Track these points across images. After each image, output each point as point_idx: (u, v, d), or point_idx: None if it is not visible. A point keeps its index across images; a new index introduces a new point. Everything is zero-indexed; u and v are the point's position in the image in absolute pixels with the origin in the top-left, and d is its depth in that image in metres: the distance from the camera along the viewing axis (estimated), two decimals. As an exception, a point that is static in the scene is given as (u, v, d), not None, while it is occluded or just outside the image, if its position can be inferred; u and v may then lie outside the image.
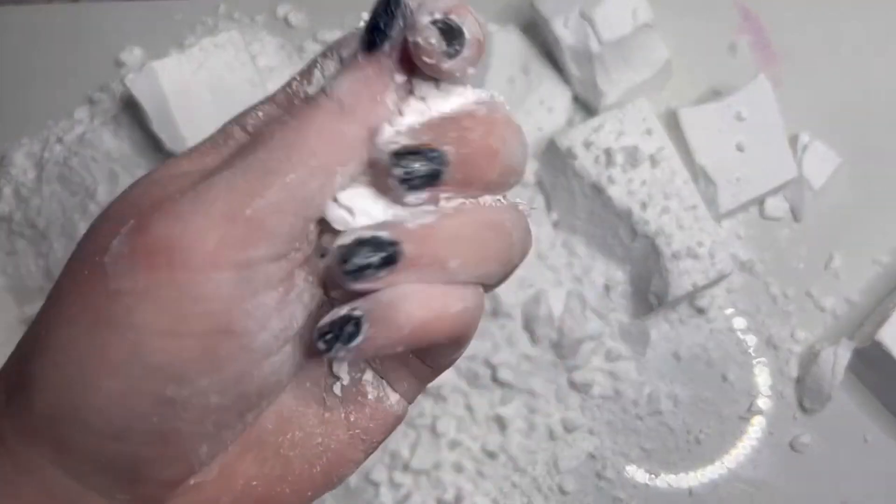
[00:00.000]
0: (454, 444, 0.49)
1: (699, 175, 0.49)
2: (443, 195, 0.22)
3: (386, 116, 0.22)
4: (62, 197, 0.54)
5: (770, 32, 0.53)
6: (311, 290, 0.23)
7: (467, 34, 0.21)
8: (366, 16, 0.23)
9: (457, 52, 0.21)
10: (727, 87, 0.51)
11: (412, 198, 0.22)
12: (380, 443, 0.26)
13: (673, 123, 0.49)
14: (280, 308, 0.22)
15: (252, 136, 0.24)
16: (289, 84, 0.24)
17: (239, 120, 0.24)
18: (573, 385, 0.48)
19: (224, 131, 0.24)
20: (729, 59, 0.54)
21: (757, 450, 0.49)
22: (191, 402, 0.21)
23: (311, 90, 0.23)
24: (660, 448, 0.49)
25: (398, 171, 0.21)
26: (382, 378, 0.26)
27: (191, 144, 0.53)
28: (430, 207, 0.22)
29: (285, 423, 0.24)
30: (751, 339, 0.50)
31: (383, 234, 0.21)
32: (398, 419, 0.26)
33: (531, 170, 0.51)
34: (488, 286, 0.24)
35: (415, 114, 0.22)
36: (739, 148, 0.49)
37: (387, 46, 0.22)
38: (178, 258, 0.20)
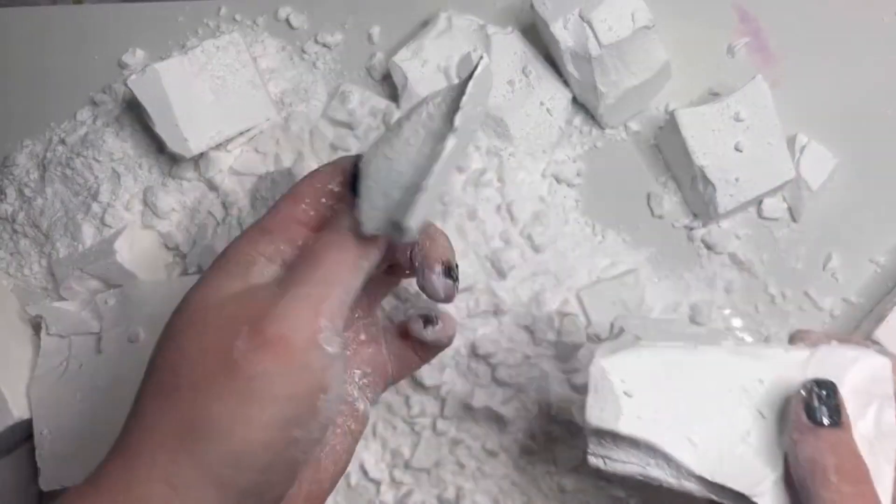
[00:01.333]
0: (455, 443, 0.49)
1: (698, 176, 0.49)
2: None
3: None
4: (65, 197, 0.54)
5: (768, 34, 0.54)
6: (363, 351, 0.40)
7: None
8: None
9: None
10: (725, 88, 0.52)
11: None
12: (361, 433, 0.39)
13: (672, 124, 0.50)
14: (350, 364, 0.38)
15: (289, 266, 0.34)
16: (276, 210, 0.36)
17: (254, 248, 0.35)
18: (573, 387, 0.49)
19: (241, 261, 0.34)
20: (727, 60, 0.54)
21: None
22: (305, 439, 0.32)
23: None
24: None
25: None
26: (363, 395, 0.40)
27: (192, 145, 0.54)
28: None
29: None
30: (749, 339, 0.50)
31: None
32: (367, 417, 0.40)
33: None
34: None
35: None
36: (738, 149, 0.49)
37: None
38: (288, 346, 0.31)
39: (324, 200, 0.36)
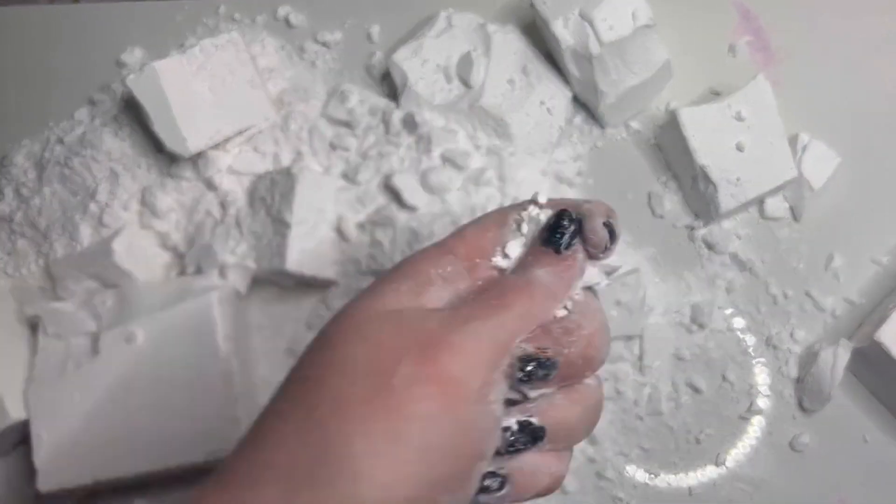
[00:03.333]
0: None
1: (699, 175, 0.49)
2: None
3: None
4: (63, 197, 0.54)
5: (769, 33, 0.53)
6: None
7: (618, 233, 0.31)
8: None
9: (613, 244, 0.31)
10: (727, 87, 0.51)
11: (526, 389, 0.29)
12: None
13: (673, 124, 0.49)
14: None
15: (478, 292, 0.30)
16: (461, 234, 0.32)
17: (433, 267, 0.30)
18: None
19: (418, 279, 0.30)
20: (728, 59, 0.54)
21: (756, 449, 0.49)
22: (436, 497, 0.26)
23: (498, 260, 0.31)
24: (660, 448, 0.49)
25: (519, 374, 0.29)
26: None
27: (190, 144, 0.53)
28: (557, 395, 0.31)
29: None
30: (750, 339, 0.50)
31: (534, 420, 0.30)
32: None
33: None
34: None
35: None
36: (739, 148, 0.49)
37: (575, 247, 0.31)
38: (459, 388, 0.26)
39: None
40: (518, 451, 0.30)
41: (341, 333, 0.28)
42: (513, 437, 0.29)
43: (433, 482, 0.26)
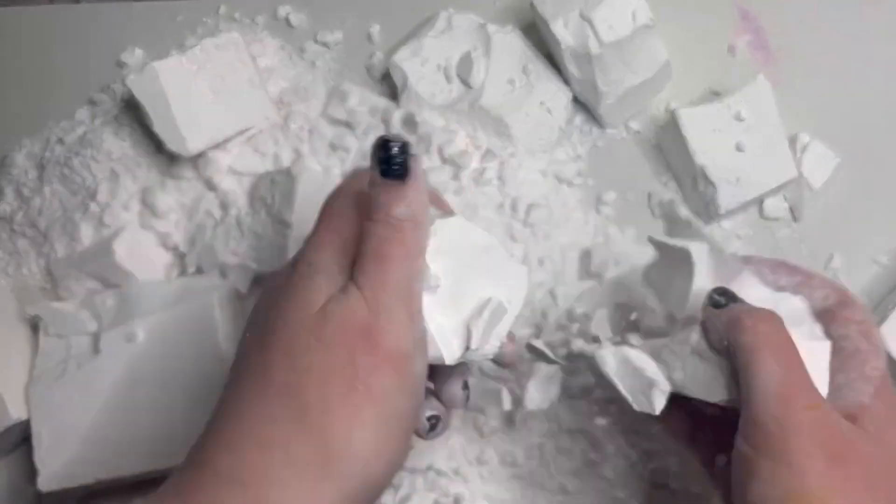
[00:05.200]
0: (454, 444, 0.49)
1: (698, 176, 0.49)
2: None
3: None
4: (63, 197, 0.54)
5: (769, 33, 0.53)
6: None
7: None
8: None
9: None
10: (726, 87, 0.51)
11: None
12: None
13: (673, 124, 0.49)
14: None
15: (356, 264, 0.33)
16: (323, 215, 0.35)
17: (318, 256, 0.34)
18: (574, 389, 0.48)
19: (312, 272, 0.33)
20: (728, 59, 0.54)
21: (756, 450, 0.49)
22: (409, 445, 0.33)
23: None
24: (660, 448, 0.49)
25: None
26: None
27: (190, 144, 0.53)
28: None
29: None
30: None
31: None
32: None
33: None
34: None
35: None
36: (739, 148, 0.49)
37: (412, 166, 0.32)
38: (404, 358, 0.31)
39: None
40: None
41: (296, 342, 0.31)
42: None
43: (405, 446, 0.32)
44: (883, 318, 0.46)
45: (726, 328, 0.33)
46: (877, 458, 0.32)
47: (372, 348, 0.31)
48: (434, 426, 0.38)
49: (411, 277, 0.33)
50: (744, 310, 0.34)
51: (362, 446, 0.30)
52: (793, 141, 0.51)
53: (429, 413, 0.38)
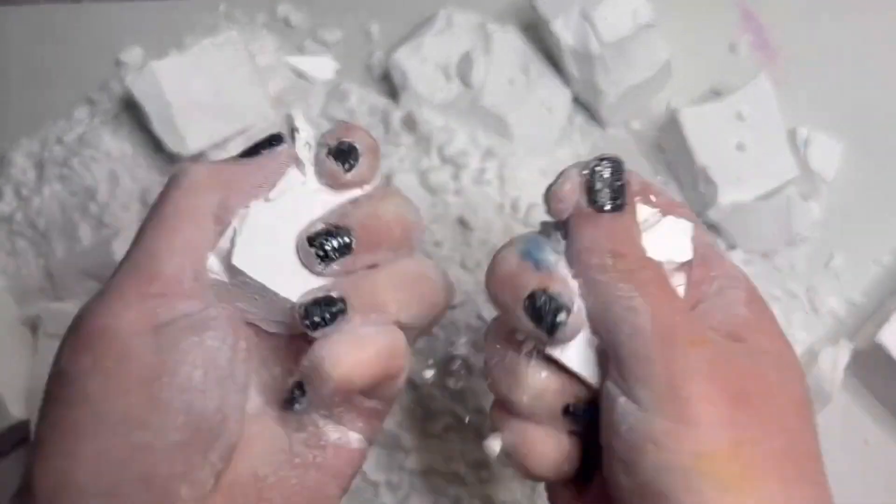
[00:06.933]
0: (453, 445, 0.49)
1: (699, 175, 0.49)
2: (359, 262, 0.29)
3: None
4: (62, 197, 0.54)
5: (770, 32, 0.53)
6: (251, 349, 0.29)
7: (360, 148, 0.30)
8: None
9: (352, 167, 0.30)
10: (727, 86, 0.51)
11: (328, 270, 0.28)
12: (352, 477, 0.30)
13: (673, 124, 0.49)
14: (205, 356, 0.27)
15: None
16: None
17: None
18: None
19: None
20: (729, 58, 0.53)
21: (757, 450, 0.49)
22: (156, 444, 0.26)
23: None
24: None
25: (314, 251, 0.28)
26: (339, 423, 0.30)
27: (190, 144, 0.54)
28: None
29: (260, 469, 0.29)
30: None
31: (333, 292, 0.28)
32: (361, 454, 0.30)
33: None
34: (422, 328, 0.31)
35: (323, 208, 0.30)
36: (740, 148, 0.49)
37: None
38: (106, 339, 0.27)
39: None
40: (317, 325, 0.27)
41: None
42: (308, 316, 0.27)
43: (119, 421, 0.26)
44: (884, 319, 0.45)
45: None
46: (771, 377, 0.28)
47: (72, 332, 0.29)
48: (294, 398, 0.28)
49: (203, 248, 0.29)
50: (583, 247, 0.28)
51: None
52: (792, 135, 0.50)
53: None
